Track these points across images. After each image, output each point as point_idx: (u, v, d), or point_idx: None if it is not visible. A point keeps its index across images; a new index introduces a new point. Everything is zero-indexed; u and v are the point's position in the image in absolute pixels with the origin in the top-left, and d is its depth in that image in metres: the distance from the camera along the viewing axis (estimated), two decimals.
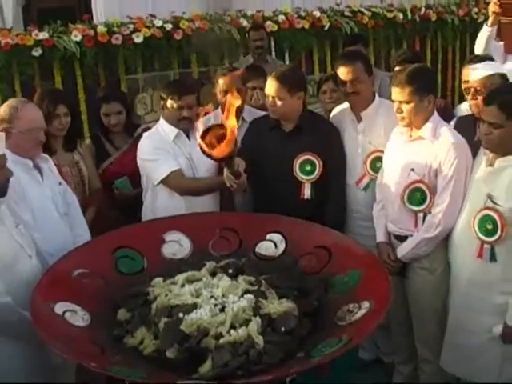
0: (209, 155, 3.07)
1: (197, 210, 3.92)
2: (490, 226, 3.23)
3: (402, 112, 3.54)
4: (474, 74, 3.87)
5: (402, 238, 3.73)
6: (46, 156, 3.70)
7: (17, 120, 3.37)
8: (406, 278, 3.76)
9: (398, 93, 3.53)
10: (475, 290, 3.39)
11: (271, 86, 3.98)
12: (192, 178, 4.10)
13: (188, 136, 4.18)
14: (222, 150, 3.04)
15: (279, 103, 3.95)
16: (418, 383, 4.06)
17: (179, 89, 4.12)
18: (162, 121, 4.20)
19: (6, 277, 3.01)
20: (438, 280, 3.67)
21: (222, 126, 3.06)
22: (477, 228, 3.29)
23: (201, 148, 3.06)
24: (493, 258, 3.27)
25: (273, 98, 3.96)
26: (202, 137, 3.04)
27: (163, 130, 4.15)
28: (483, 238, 3.27)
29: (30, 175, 3.44)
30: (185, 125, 4.12)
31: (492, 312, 3.35)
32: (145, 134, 4.20)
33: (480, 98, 3.73)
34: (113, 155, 4.56)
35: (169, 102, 4.09)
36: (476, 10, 9.36)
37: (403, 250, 3.69)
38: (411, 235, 3.66)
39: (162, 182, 4.01)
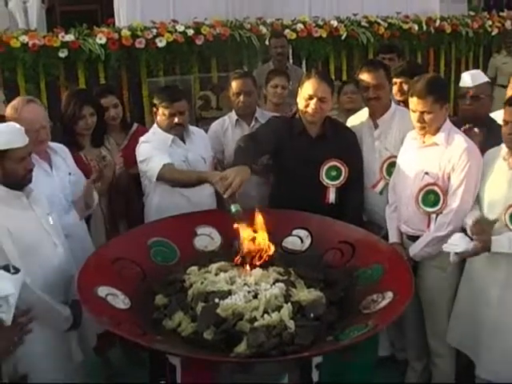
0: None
1: (196, 208, 3.98)
2: None
3: (423, 122, 3.67)
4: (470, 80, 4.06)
5: (415, 239, 3.86)
6: (58, 148, 3.85)
7: (17, 121, 3.41)
8: (418, 276, 3.84)
9: (418, 103, 3.65)
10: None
11: (320, 87, 4.00)
12: (180, 170, 4.10)
13: (183, 139, 4.27)
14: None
15: (325, 106, 4.04)
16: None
17: (170, 96, 4.18)
18: (156, 127, 4.27)
19: (28, 259, 3.16)
20: (448, 277, 3.82)
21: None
22: (509, 222, 3.43)
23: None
24: None
25: (320, 99, 3.99)
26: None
27: (159, 135, 4.22)
28: None
29: (36, 166, 3.51)
30: (177, 131, 4.20)
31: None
32: (142, 138, 4.26)
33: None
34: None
35: (161, 110, 4.17)
36: (490, 22, 9.44)
37: (415, 248, 3.83)
38: None
39: (158, 177, 4.01)
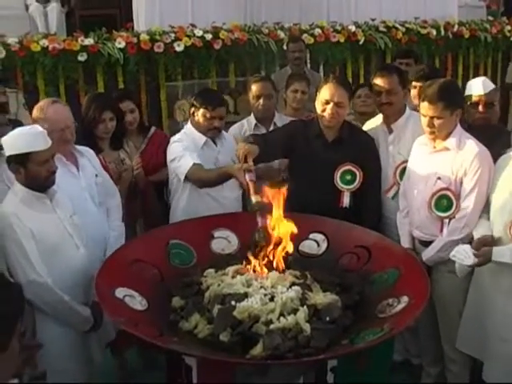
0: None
1: (222, 210, 4.08)
2: None
3: (433, 126, 3.67)
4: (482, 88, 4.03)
5: (427, 244, 3.87)
6: (84, 150, 3.91)
7: (43, 121, 3.55)
8: (432, 281, 3.76)
9: (429, 108, 3.65)
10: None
11: (337, 92, 4.01)
12: (206, 169, 4.10)
13: (214, 142, 4.33)
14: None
15: (342, 110, 4.06)
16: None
17: (214, 100, 4.25)
18: (189, 127, 4.32)
19: (50, 260, 3.26)
20: (462, 282, 3.79)
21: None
22: None
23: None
24: None
25: (336, 104, 4.00)
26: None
27: (192, 135, 4.28)
28: None
29: (64, 168, 3.62)
30: (214, 134, 4.27)
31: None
32: (174, 138, 4.30)
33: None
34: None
35: (201, 111, 4.21)
36: (509, 27, 9.34)
37: (428, 253, 3.84)
38: None
39: (187, 175, 4.06)
